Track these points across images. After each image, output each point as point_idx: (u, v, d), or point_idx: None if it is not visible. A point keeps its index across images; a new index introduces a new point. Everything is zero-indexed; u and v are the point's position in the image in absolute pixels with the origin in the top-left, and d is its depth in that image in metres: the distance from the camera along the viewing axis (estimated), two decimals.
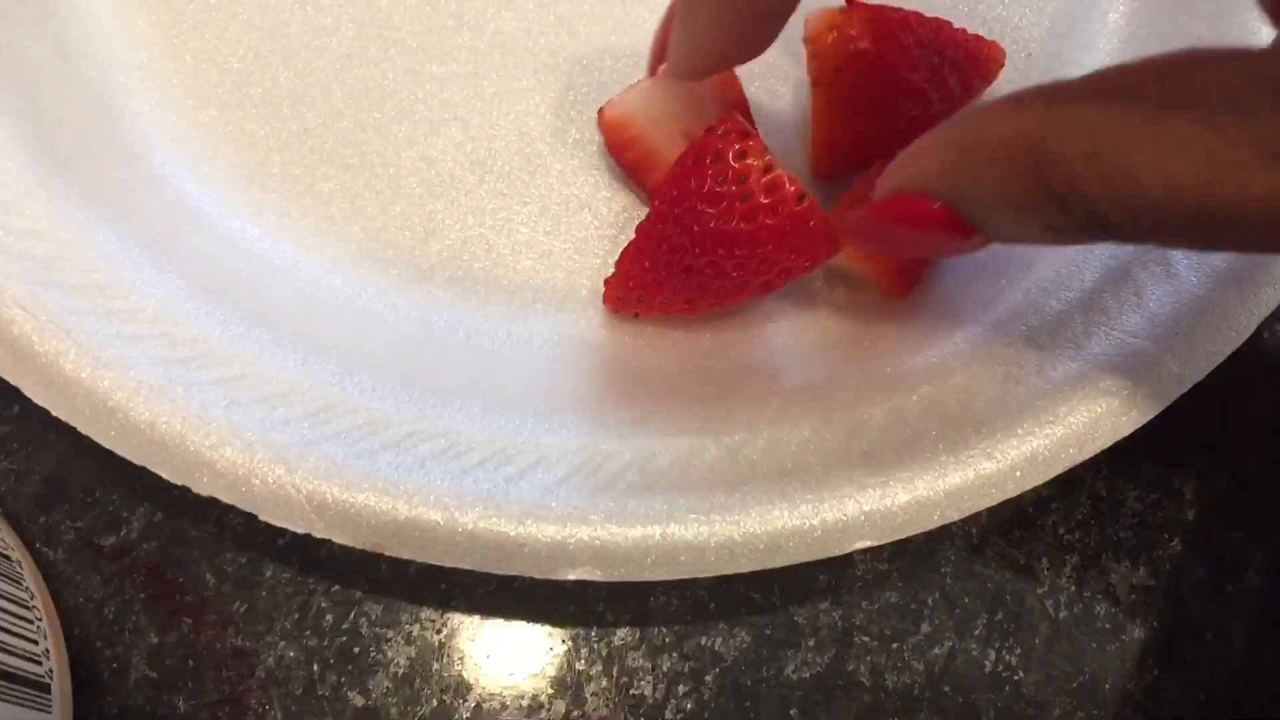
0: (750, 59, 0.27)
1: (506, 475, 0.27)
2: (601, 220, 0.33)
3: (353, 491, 0.26)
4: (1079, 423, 0.27)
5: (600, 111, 0.32)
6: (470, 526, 0.26)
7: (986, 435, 0.27)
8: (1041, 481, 0.27)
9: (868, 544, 0.26)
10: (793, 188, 0.27)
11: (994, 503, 0.27)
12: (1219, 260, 0.29)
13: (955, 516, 0.27)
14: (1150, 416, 0.28)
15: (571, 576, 0.26)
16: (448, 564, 0.26)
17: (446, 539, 0.26)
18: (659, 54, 0.29)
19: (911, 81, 0.29)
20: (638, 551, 0.26)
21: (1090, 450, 0.27)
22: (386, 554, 0.26)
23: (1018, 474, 0.27)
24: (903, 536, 0.27)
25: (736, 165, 0.27)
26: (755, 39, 0.26)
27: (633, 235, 0.30)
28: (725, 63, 0.26)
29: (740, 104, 0.31)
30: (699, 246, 0.27)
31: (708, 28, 0.25)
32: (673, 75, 0.29)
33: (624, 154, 0.32)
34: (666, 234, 0.28)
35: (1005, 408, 0.27)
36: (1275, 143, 0.18)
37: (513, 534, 0.26)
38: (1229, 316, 0.28)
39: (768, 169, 0.27)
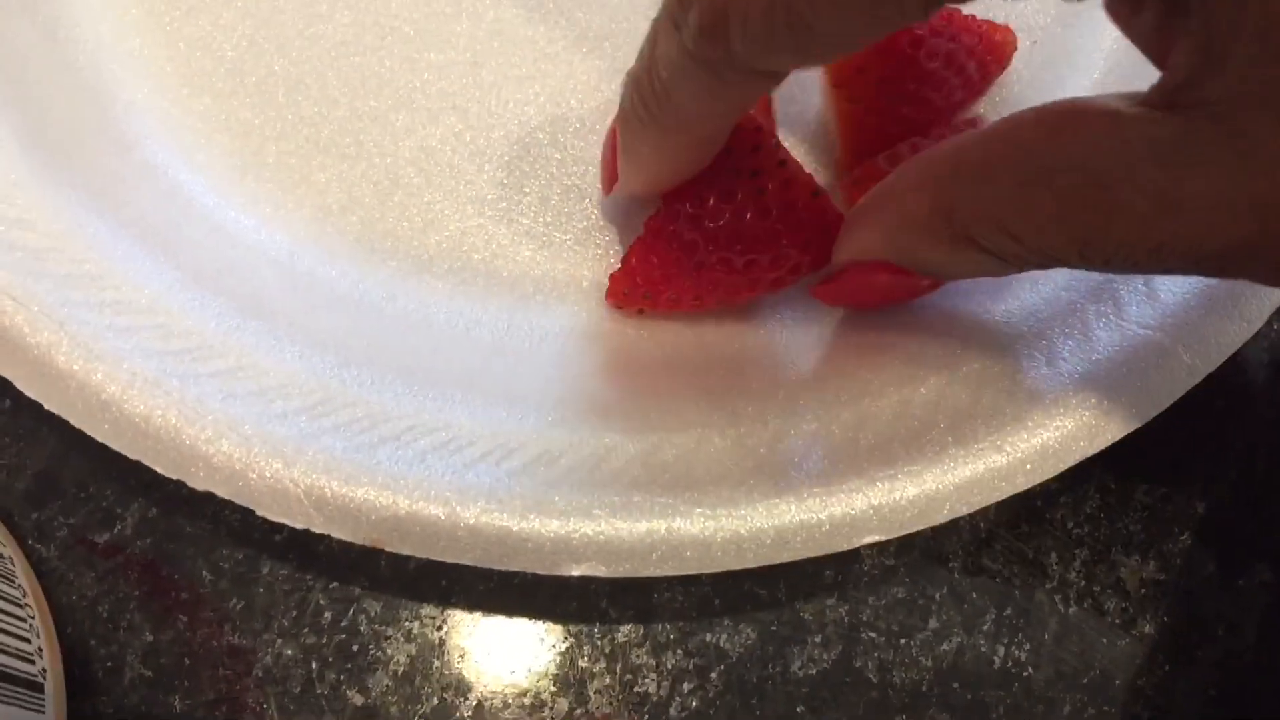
0: (697, 171, 0.27)
1: (509, 469, 0.26)
2: (603, 210, 0.32)
3: (352, 486, 0.26)
4: (1089, 415, 0.27)
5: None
6: (472, 522, 0.26)
7: (996, 428, 0.27)
8: (1052, 475, 0.27)
9: (876, 539, 0.26)
10: (807, 184, 0.26)
11: (1004, 496, 0.27)
12: None
13: (965, 510, 0.27)
14: (1162, 408, 0.27)
15: (575, 572, 0.26)
16: (449, 560, 0.26)
17: (448, 534, 0.26)
18: (609, 173, 0.29)
19: (932, 71, 0.29)
20: (643, 547, 0.26)
21: (1101, 443, 0.27)
22: (386, 550, 0.26)
23: (1028, 467, 0.27)
24: (912, 531, 0.26)
25: (750, 160, 0.26)
26: (698, 160, 0.26)
27: (635, 223, 0.29)
28: (673, 184, 0.27)
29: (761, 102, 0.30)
30: (711, 243, 0.27)
31: (650, 161, 0.26)
32: (625, 196, 0.29)
33: None
34: (678, 230, 0.27)
35: (1014, 400, 0.27)
36: (1162, 193, 0.20)
37: (515, 529, 0.26)
38: (1241, 306, 0.28)
39: (782, 164, 0.26)
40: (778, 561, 0.26)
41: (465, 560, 0.26)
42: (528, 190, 0.32)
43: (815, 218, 0.26)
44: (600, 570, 0.26)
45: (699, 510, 0.26)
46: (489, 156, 0.33)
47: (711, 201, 0.26)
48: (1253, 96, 0.19)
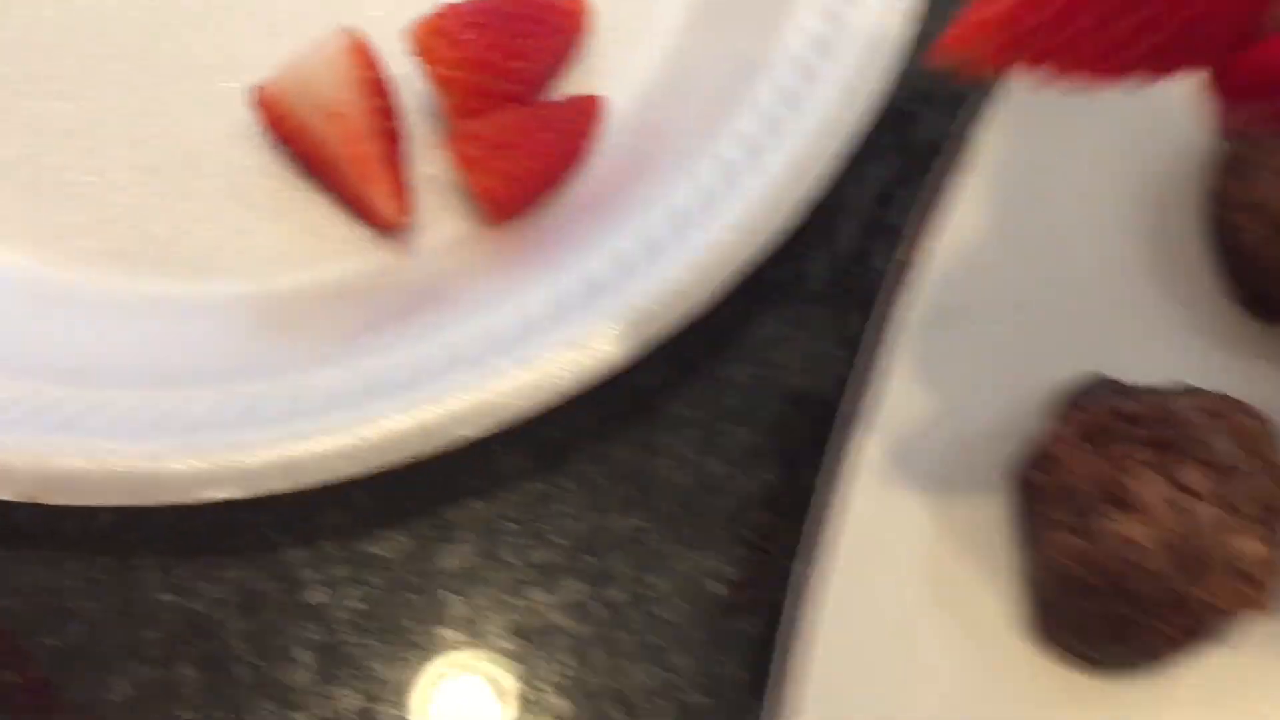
0: None
1: (150, 419, 0.31)
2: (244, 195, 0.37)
3: (10, 454, 0.30)
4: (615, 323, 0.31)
5: (259, 90, 0.36)
6: (119, 468, 0.30)
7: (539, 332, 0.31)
8: (631, 357, 0.31)
9: (469, 435, 0.30)
10: None
11: (561, 393, 0.30)
12: None
13: (542, 403, 0.31)
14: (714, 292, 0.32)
15: (219, 496, 0.30)
16: (98, 503, 0.30)
17: (96, 482, 0.30)
18: None
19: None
20: (271, 468, 0.30)
21: (632, 347, 0.31)
22: (45, 502, 0.30)
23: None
24: (499, 428, 0.30)
25: None
26: None
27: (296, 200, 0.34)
28: None
29: (375, 83, 0.35)
30: None
31: None
32: None
33: (279, 128, 0.36)
34: None
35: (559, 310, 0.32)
36: None
37: (156, 467, 0.30)
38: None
39: None
40: (387, 464, 0.30)
41: (114, 501, 0.30)
42: (190, 194, 0.37)
43: None
44: (237, 492, 0.30)
45: (315, 428, 0.30)
46: (155, 169, 0.37)
47: None
48: None
